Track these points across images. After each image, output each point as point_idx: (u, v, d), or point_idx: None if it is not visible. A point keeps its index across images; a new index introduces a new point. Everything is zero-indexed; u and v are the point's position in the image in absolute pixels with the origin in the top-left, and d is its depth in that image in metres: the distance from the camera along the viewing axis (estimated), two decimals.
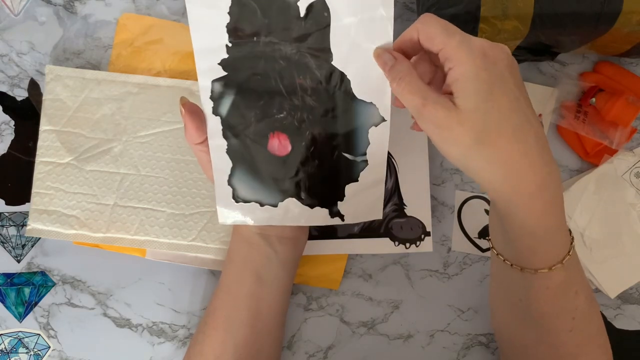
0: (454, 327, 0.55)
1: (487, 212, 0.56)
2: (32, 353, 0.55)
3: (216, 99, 0.42)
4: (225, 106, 0.42)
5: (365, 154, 0.44)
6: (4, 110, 0.58)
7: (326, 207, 0.46)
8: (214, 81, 0.41)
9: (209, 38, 0.40)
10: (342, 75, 0.41)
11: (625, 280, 0.54)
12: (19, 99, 0.58)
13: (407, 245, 0.55)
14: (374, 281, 0.56)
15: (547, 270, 0.39)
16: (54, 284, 0.56)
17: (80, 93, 0.55)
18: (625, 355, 0.55)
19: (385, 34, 0.39)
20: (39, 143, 0.55)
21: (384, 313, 0.56)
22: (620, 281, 0.54)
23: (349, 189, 0.45)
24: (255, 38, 0.40)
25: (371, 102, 0.42)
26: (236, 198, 0.45)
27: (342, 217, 0.46)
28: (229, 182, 0.44)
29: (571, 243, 0.40)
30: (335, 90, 0.42)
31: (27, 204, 0.56)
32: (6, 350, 0.55)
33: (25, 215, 0.56)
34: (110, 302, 0.56)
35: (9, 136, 0.57)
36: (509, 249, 0.41)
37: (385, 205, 0.55)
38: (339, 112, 0.43)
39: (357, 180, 0.45)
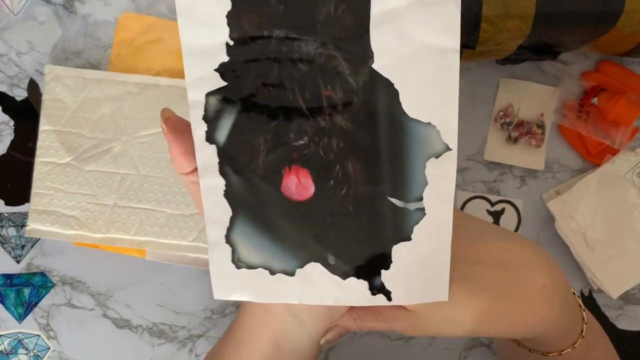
0: None
1: (488, 212, 0.56)
2: (31, 354, 0.55)
3: (212, 120, 0.30)
4: (224, 130, 0.31)
5: (421, 198, 0.31)
6: (4, 110, 0.57)
7: (365, 279, 0.32)
8: (208, 94, 0.30)
9: (203, 33, 0.30)
10: (389, 85, 0.30)
11: (627, 280, 0.54)
12: (18, 99, 0.57)
13: None
14: None
15: (570, 350, 0.38)
16: (53, 285, 0.56)
17: (79, 93, 0.55)
18: (627, 356, 0.54)
19: (451, 24, 0.28)
20: (39, 143, 0.55)
21: None
22: (622, 281, 0.54)
23: (399, 251, 0.32)
24: (266, 32, 0.29)
25: (429, 123, 0.30)
26: (237, 262, 0.33)
27: (388, 294, 0.32)
28: (228, 239, 0.33)
29: (583, 310, 0.39)
30: (378, 106, 0.30)
31: (26, 204, 0.56)
32: (6, 351, 0.55)
33: (24, 215, 0.56)
34: (110, 303, 0.56)
35: (8, 136, 0.57)
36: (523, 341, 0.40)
37: None
38: (382, 138, 0.31)
39: (409, 239, 0.32)
